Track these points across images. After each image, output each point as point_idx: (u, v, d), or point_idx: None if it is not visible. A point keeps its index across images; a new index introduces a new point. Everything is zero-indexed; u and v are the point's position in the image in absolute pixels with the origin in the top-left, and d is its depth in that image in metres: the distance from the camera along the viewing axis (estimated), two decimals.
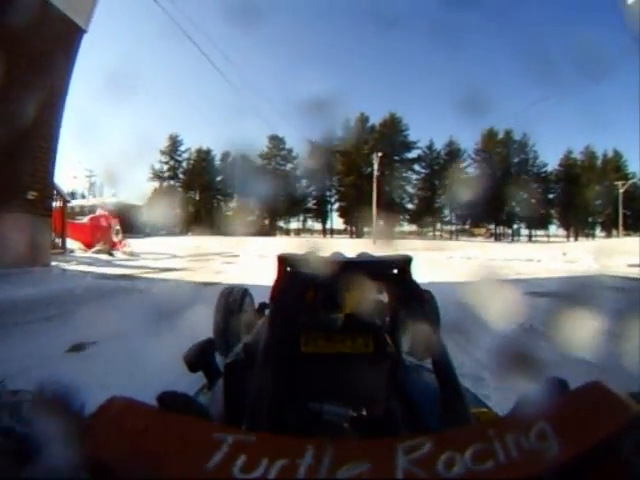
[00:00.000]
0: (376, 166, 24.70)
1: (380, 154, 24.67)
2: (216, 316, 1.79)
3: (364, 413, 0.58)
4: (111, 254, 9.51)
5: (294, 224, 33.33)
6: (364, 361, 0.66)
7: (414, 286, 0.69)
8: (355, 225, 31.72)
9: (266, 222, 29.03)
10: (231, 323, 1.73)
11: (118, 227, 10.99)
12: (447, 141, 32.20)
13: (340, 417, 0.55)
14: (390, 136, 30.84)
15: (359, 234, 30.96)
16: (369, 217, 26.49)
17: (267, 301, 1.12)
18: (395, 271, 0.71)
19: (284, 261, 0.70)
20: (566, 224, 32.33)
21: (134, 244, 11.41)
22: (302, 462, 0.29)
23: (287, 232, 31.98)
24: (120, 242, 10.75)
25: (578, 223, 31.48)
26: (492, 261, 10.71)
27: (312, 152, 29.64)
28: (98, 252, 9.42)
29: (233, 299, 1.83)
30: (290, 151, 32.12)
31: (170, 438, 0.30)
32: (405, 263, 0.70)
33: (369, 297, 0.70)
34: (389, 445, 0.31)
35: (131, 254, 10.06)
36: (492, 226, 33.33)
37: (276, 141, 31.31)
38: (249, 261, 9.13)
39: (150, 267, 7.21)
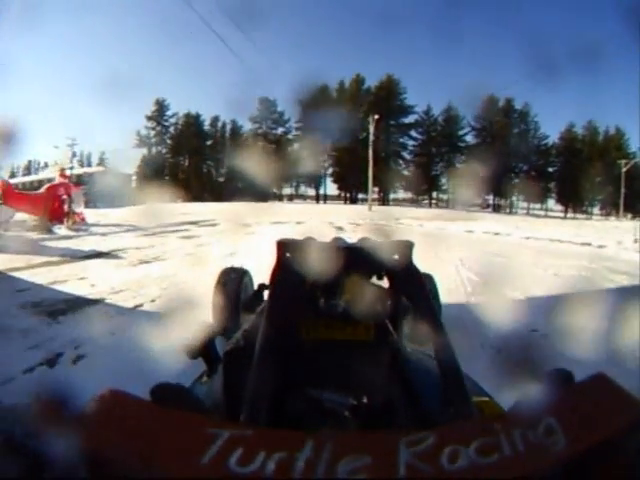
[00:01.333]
0: (372, 130, 23.58)
1: (377, 116, 23.47)
2: (215, 299, 1.75)
3: (365, 401, 0.57)
4: (50, 230, 7.98)
5: (287, 189, 32.43)
6: (365, 348, 0.65)
7: (415, 272, 0.68)
8: (349, 191, 30.85)
9: (258, 188, 28.13)
10: (231, 306, 1.69)
11: (65, 197, 9.45)
12: (445, 107, 31.00)
13: (340, 405, 0.55)
14: (387, 99, 29.54)
15: (353, 200, 30.15)
16: (364, 183, 25.61)
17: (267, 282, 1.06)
18: (396, 257, 0.69)
19: (283, 247, 0.68)
20: (564, 200, 31.65)
21: (111, 214, 10.14)
22: (301, 455, 0.28)
23: (280, 198, 31.07)
24: (67, 214, 9.33)
25: (576, 199, 30.87)
26: (536, 241, 8.51)
27: (304, 114, 28.40)
28: (34, 229, 7.92)
29: (232, 281, 1.78)
30: (282, 114, 30.83)
31: (163, 433, 0.29)
32: (406, 249, 0.69)
33: (370, 283, 0.71)
34: (392, 438, 0.30)
35: (77, 230, 8.67)
36: (490, 197, 32.62)
37: (267, 103, 29.94)
38: (220, 234, 7.89)
39: (71, 251, 5.70)
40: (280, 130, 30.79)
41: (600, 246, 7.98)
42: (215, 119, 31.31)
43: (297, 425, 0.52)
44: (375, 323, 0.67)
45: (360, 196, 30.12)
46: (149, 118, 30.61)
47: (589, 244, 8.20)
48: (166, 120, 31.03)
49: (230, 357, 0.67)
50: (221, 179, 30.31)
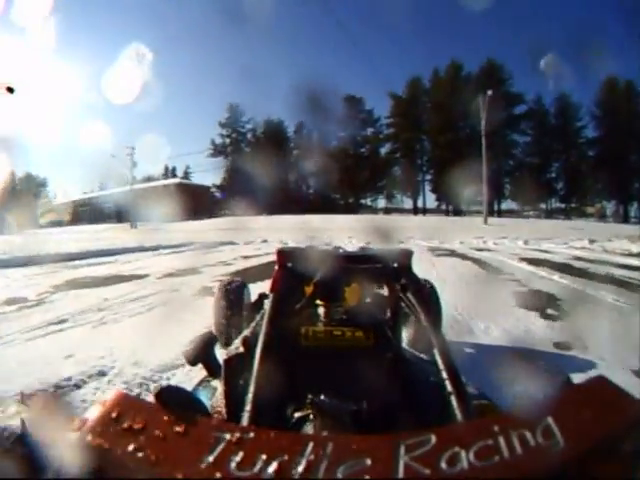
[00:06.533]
0: (484, 114, 18.77)
1: (490, 92, 18.58)
2: (216, 309, 1.77)
3: (365, 406, 0.58)
4: None
5: (381, 201, 28.45)
6: (365, 354, 0.66)
7: (414, 279, 0.69)
8: (451, 201, 26.69)
9: (350, 200, 25.18)
10: (231, 316, 1.70)
11: None
12: (557, 95, 25.30)
13: (340, 411, 0.55)
14: (490, 87, 24.62)
15: (456, 212, 26.04)
16: (468, 189, 21.31)
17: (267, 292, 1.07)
18: (396, 264, 0.70)
19: (283, 255, 0.69)
20: None
21: (165, 229, 7.33)
22: (301, 459, 0.28)
23: (375, 211, 27.42)
24: None
25: None
26: None
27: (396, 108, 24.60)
28: None
29: (232, 291, 1.80)
30: (370, 112, 27.21)
31: (167, 435, 0.30)
32: (405, 256, 0.70)
33: (369, 290, 0.73)
34: (391, 441, 0.30)
35: None
36: (610, 204, 26.62)
37: (353, 102, 26.60)
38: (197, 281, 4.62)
39: None
40: (369, 131, 27.41)
41: None
42: (299, 126, 28.23)
43: (298, 430, 0.51)
44: (375, 329, 0.67)
45: (463, 207, 25.82)
46: (223, 125, 28.80)
47: None
48: (242, 127, 29.00)
49: (230, 363, 0.66)
50: (310, 190, 27.73)
